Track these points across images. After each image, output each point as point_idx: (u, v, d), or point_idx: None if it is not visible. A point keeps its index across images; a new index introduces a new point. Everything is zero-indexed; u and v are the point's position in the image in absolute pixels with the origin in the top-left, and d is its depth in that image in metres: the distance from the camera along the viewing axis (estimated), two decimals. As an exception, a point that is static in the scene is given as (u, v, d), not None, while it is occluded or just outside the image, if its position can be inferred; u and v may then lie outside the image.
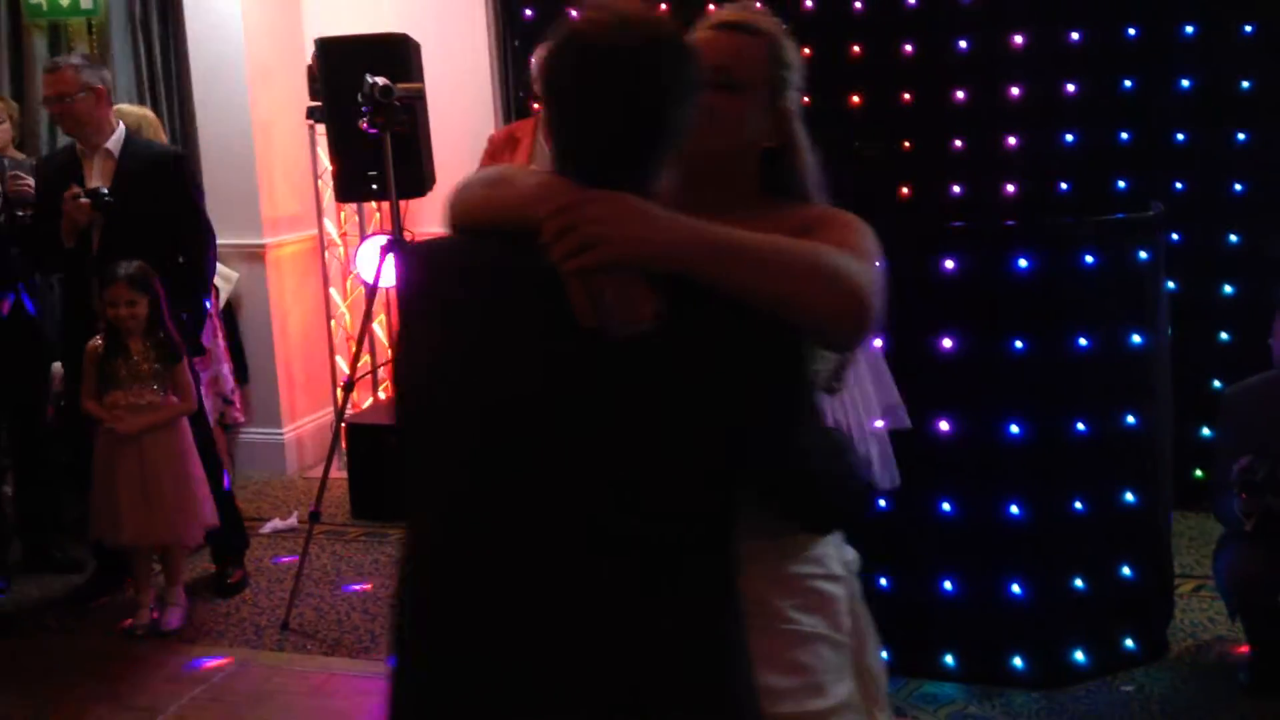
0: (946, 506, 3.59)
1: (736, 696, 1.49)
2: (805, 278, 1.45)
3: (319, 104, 5.43)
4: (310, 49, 5.43)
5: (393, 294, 5.73)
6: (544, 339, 1.45)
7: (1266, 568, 3.42)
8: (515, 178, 1.59)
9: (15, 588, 4.66)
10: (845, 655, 1.76)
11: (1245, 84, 4.87)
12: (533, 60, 4.57)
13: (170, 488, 4.17)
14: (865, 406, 2.15)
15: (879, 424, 2.17)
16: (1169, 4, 4.93)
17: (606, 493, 1.43)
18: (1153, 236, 3.71)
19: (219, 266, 4.92)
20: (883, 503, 3.63)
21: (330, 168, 5.50)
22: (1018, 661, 3.60)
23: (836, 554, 1.78)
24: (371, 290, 4.73)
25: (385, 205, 5.38)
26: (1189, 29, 4.92)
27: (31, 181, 4.54)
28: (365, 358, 5.55)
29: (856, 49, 5.21)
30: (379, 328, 6.05)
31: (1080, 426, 3.57)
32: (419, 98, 5.00)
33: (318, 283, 6.10)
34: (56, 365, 4.85)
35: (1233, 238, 4.92)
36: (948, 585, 3.62)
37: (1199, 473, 4.63)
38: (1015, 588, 3.58)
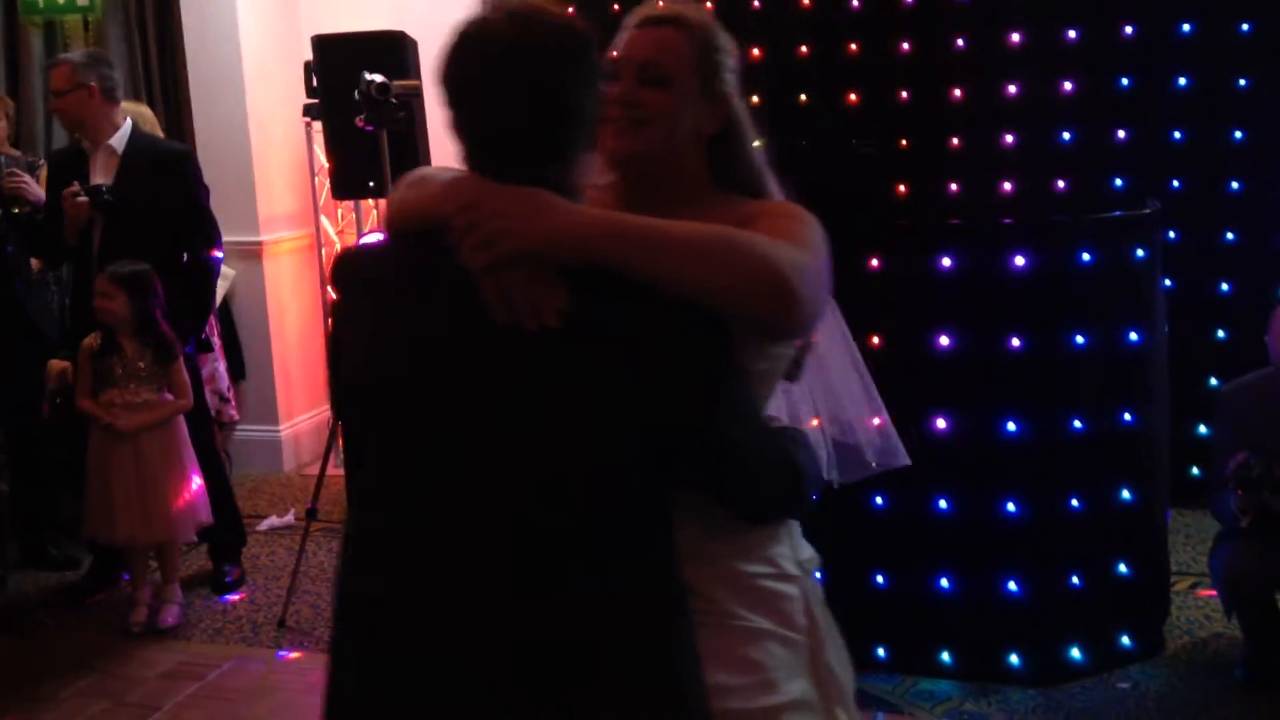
0: (944, 504, 3.60)
1: (679, 693, 1.49)
2: (720, 262, 1.45)
3: (315, 101, 5.43)
4: (307, 46, 5.42)
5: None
6: (460, 337, 1.45)
7: (1262, 565, 3.43)
8: (432, 177, 1.61)
9: (11, 585, 4.65)
10: (799, 653, 1.75)
11: (1242, 82, 4.88)
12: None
13: (165, 485, 4.17)
14: (822, 400, 2.16)
15: (814, 422, 2.17)
16: (1166, 2, 4.94)
17: (531, 490, 1.43)
18: (1149, 234, 3.71)
19: (216, 264, 4.91)
20: (880, 500, 3.65)
21: (327, 165, 5.50)
22: (1014, 659, 3.60)
23: (791, 553, 1.77)
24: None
25: (382, 203, 5.38)
26: (1186, 27, 4.92)
27: (28, 179, 4.53)
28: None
29: (853, 47, 5.21)
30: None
31: (1077, 424, 3.58)
32: (416, 95, 5.00)
33: (314, 280, 6.10)
34: (53, 362, 4.84)
35: (1229, 236, 4.93)
36: (945, 583, 3.63)
37: (1195, 470, 4.64)
38: (1012, 585, 3.59)
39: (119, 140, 4.37)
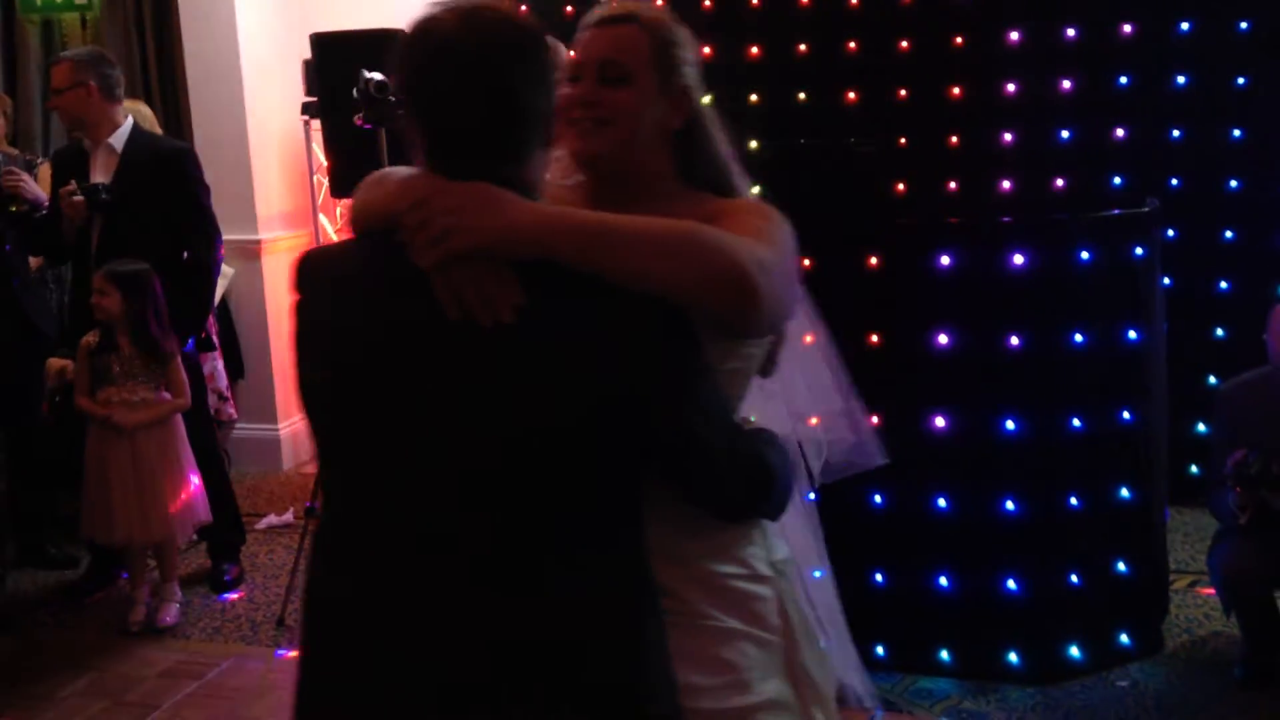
0: (942, 502, 3.60)
1: (649, 693, 1.49)
2: (679, 256, 1.44)
3: (314, 100, 5.42)
4: (306, 45, 5.42)
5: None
6: (415, 336, 1.45)
7: (1261, 563, 3.43)
8: (392, 177, 1.61)
9: (10, 584, 4.65)
10: (774, 654, 1.74)
11: (1240, 80, 4.89)
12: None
13: (163, 484, 4.16)
14: (793, 399, 2.16)
15: (813, 420, 2.17)
16: (1165, 0, 4.94)
17: (492, 490, 1.43)
18: (1148, 233, 3.71)
19: (214, 263, 4.91)
20: (879, 499, 3.65)
21: (326, 164, 5.49)
22: (1013, 657, 3.60)
23: (764, 554, 1.76)
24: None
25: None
26: (1184, 25, 4.93)
27: (26, 177, 4.52)
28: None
29: (852, 45, 5.22)
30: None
31: (1076, 422, 3.58)
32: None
33: (313, 279, 6.08)
34: (52, 361, 4.84)
35: (1228, 234, 4.94)
36: (943, 581, 3.63)
37: (1194, 468, 4.64)
38: (1011, 583, 3.59)
39: (119, 139, 4.37)
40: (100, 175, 4.33)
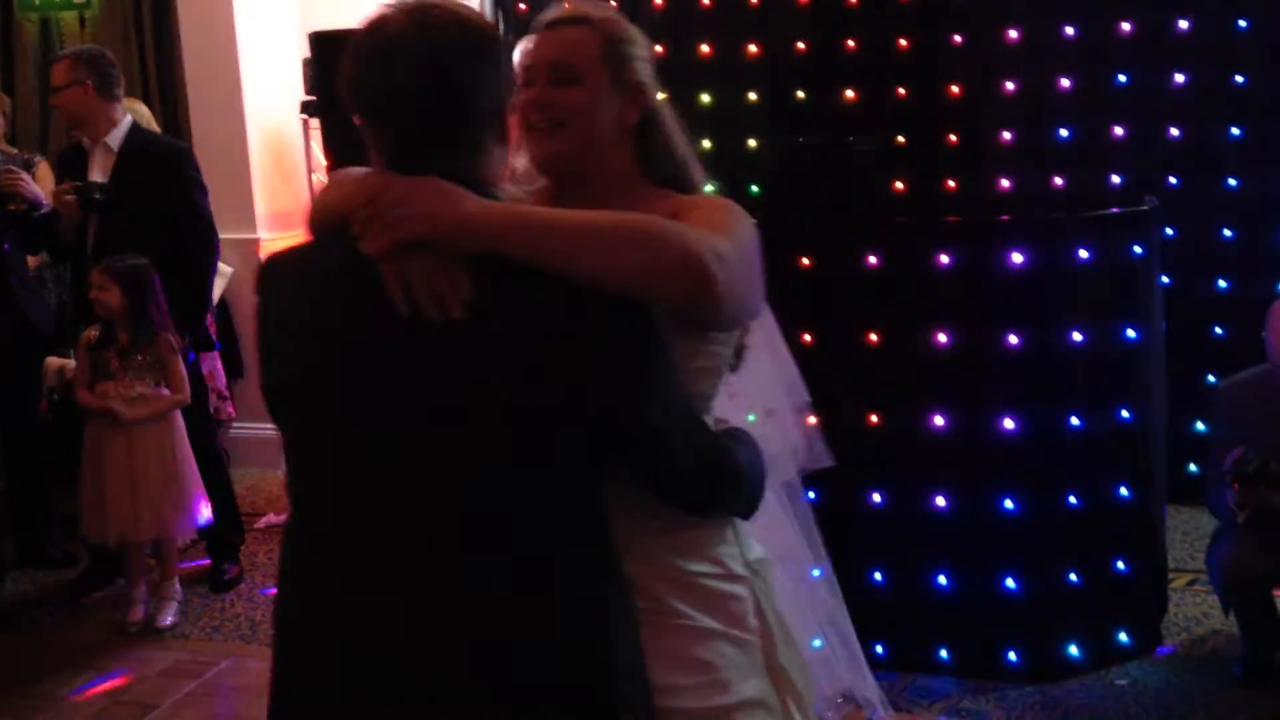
0: (941, 501, 3.60)
1: (615, 692, 1.48)
2: (631, 247, 1.45)
3: (314, 98, 5.41)
4: (305, 43, 5.41)
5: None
6: (368, 334, 1.45)
7: (1260, 561, 3.43)
8: (346, 177, 1.63)
9: (9, 583, 4.65)
10: (752, 653, 1.74)
11: (1239, 79, 4.89)
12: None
13: (159, 481, 4.16)
14: (766, 391, 2.16)
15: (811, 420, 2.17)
16: (1163, -1, 4.95)
17: (446, 486, 1.43)
18: (1147, 231, 3.71)
19: (213, 261, 4.90)
20: (878, 498, 3.65)
21: (325, 162, 5.48)
22: (1012, 655, 3.61)
23: (738, 553, 1.76)
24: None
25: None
26: (1183, 23, 4.92)
27: (25, 176, 4.52)
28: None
29: (851, 43, 5.21)
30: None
31: (1075, 421, 3.58)
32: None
33: (312, 278, 6.08)
34: (50, 360, 4.84)
35: (1227, 232, 4.94)
36: (942, 580, 3.63)
37: (1193, 467, 4.64)
38: (1009, 582, 3.59)
39: (116, 137, 4.36)
40: (98, 174, 4.33)
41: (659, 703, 1.59)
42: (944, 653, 3.65)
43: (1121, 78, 4.99)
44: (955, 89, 5.13)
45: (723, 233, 1.57)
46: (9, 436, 4.73)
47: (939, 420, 3.58)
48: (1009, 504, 3.57)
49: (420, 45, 1.45)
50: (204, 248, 4.43)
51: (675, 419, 1.52)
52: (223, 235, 4.65)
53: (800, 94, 5.24)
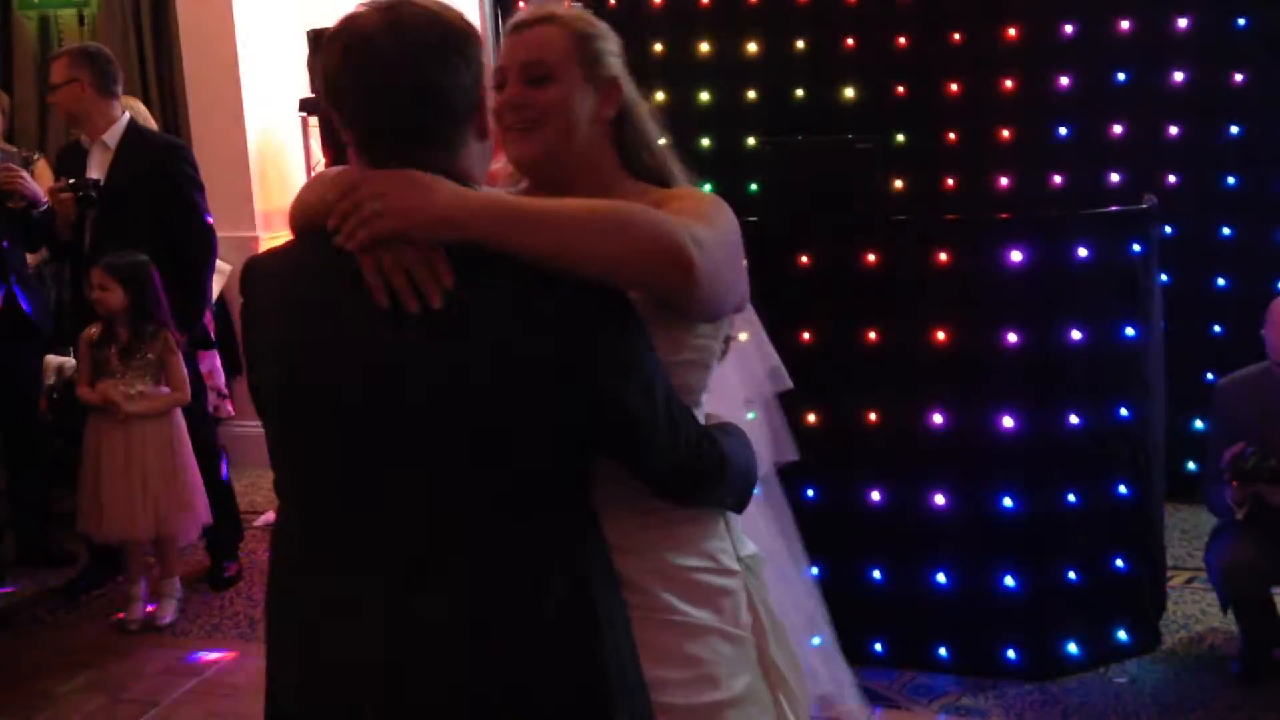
0: (940, 499, 3.60)
1: (609, 688, 1.48)
2: (610, 234, 1.46)
3: (313, 96, 5.41)
4: (304, 41, 5.41)
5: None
6: (349, 329, 1.46)
7: (1258, 558, 3.44)
8: (323, 176, 1.64)
9: (9, 580, 4.65)
10: (745, 649, 1.74)
11: (1239, 77, 4.88)
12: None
13: (159, 480, 4.16)
14: (748, 384, 2.16)
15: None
16: (1162, -3, 4.95)
17: (430, 484, 1.43)
18: (1146, 229, 3.71)
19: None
20: (878, 496, 3.65)
21: (324, 160, 5.49)
22: (1011, 653, 3.61)
23: (730, 548, 1.76)
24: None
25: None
26: (1182, 21, 4.92)
27: (24, 173, 4.52)
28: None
29: (850, 42, 5.21)
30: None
31: (1074, 419, 3.58)
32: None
33: (311, 276, 6.08)
34: (49, 358, 4.83)
35: (1226, 231, 4.93)
36: (941, 577, 3.63)
37: (1192, 465, 4.64)
38: (1008, 580, 3.59)
39: (114, 134, 4.36)
40: (95, 171, 4.33)
41: (650, 698, 1.59)
42: (943, 650, 3.65)
43: (1120, 76, 4.99)
44: (955, 87, 5.13)
45: (703, 221, 1.57)
46: (8, 434, 4.73)
47: (938, 418, 3.58)
48: (1008, 502, 3.57)
49: (393, 42, 1.45)
50: (201, 245, 4.43)
51: (658, 406, 1.51)
52: (221, 233, 4.64)
53: (799, 92, 5.25)
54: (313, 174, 1.73)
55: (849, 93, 5.18)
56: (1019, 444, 3.56)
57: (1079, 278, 3.58)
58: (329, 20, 5.45)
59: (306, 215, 1.60)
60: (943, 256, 3.55)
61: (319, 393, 1.47)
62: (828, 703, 2.61)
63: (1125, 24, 4.97)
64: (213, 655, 4.00)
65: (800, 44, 5.24)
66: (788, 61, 5.24)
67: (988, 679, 3.58)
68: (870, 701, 3.48)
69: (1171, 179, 4.95)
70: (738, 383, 2.16)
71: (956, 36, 5.12)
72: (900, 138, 5.15)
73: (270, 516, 5.22)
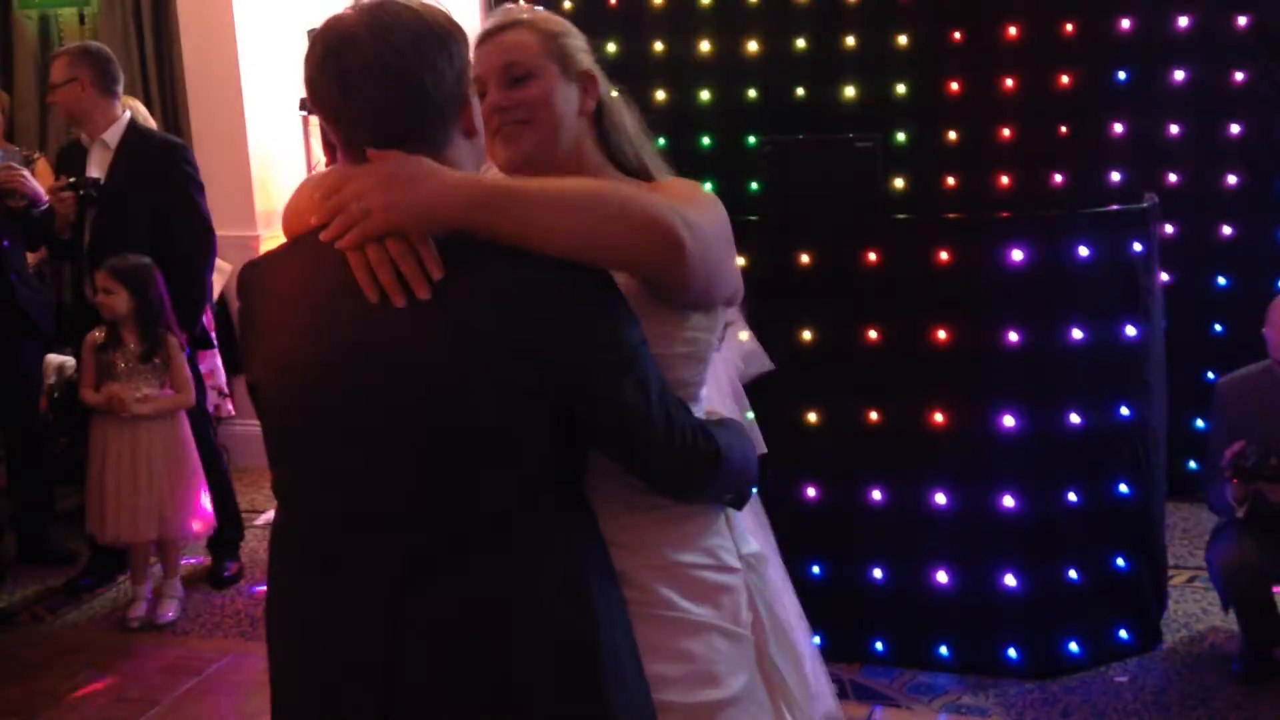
0: (941, 498, 3.60)
1: (607, 685, 1.48)
2: (592, 211, 1.47)
3: (312, 95, 5.41)
4: (304, 41, 5.41)
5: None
6: (342, 328, 1.46)
7: (1259, 557, 3.44)
8: (313, 179, 1.65)
9: (10, 579, 4.65)
10: (744, 648, 1.74)
11: (1239, 76, 4.88)
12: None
13: (164, 482, 4.17)
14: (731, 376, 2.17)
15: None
16: (1162, -4, 4.95)
17: (426, 478, 1.43)
18: (1146, 228, 3.71)
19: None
20: (879, 495, 3.65)
21: (324, 159, 5.49)
22: (1012, 652, 3.61)
23: (731, 545, 1.76)
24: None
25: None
26: (1183, 20, 4.92)
27: (24, 172, 4.52)
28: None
29: (850, 41, 5.21)
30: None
31: (1074, 418, 3.58)
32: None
33: (311, 275, 6.07)
34: (50, 357, 4.83)
35: (1226, 229, 4.93)
36: (942, 576, 3.63)
37: (1192, 464, 4.64)
38: (1009, 579, 3.59)
39: (114, 134, 4.37)
40: (95, 170, 4.34)
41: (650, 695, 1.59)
42: (944, 649, 3.66)
43: (1121, 74, 4.99)
44: (955, 86, 5.13)
45: (693, 205, 1.59)
46: (9, 433, 4.74)
47: (939, 417, 3.58)
48: (1009, 501, 3.57)
49: (374, 41, 1.45)
50: (200, 244, 4.43)
51: (651, 395, 1.50)
52: (222, 233, 4.64)
53: (800, 91, 5.25)
54: (311, 174, 1.74)
55: (849, 92, 5.18)
56: (1020, 443, 3.56)
57: (1080, 277, 3.58)
58: (329, 19, 5.34)
59: (298, 219, 1.61)
60: (943, 255, 3.55)
61: (317, 392, 1.48)
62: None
63: (1126, 23, 4.97)
64: (213, 654, 4.00)
65: (800, 43, 5.23)
66: (788, 61, 5.24)
67: (988, 678, 3.59)
68: (871, 700, 3.49)
69: (1172, 178, 4.95)
70: (725, 380, 2.17)
71: (957, 35, 5.12)
72: (900, 137, 5.15)
73: (270, 516, 5.21)
